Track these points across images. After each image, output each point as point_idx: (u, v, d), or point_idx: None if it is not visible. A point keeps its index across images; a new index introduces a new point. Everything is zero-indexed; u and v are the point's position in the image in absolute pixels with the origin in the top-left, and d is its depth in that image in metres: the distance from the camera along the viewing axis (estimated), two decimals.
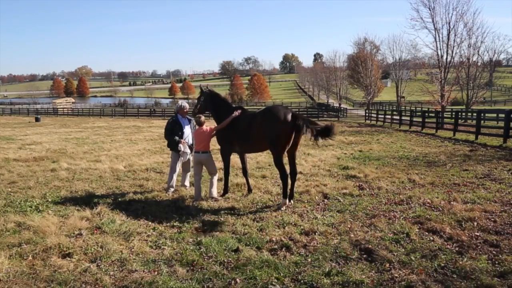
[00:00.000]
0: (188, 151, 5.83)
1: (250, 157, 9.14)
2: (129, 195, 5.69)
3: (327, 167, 7.84)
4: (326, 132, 4.39)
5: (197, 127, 5.38)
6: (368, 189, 5.83)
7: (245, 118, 5.10)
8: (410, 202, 4.98)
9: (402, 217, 4.38)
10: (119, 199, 5.43)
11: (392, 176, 6.79)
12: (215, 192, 5.28)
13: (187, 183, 6.14)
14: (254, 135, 4.85)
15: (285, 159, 5.12)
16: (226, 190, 5.57)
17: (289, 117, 4.57)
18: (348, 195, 5.50)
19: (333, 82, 55.32)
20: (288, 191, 4.98)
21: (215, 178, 5.31)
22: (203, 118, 5.35)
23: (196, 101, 5.91)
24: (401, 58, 39.95)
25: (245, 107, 5.75)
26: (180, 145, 5.70)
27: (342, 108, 33.82)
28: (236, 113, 5.20)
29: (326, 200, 5.28)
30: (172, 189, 5.84)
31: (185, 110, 5.92)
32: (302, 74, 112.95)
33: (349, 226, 4.15)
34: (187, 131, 5.91)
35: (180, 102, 6.05)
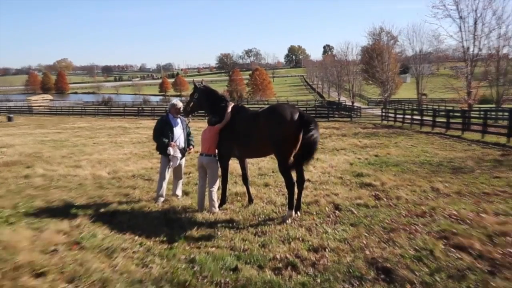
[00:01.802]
0: (179, 155, 5.88)
1: (251, 163, 9.18)
2: (113, 205, 5.71)
3: (339, 174, 7.89)
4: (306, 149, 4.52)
5: (203, 127, 5.47)
6: (385, 199, 5.85)
7: (246, 119, 5.14)
8: (434, 214, 4.98)
9: (424, 232, 4.38)
10: (102, 210, 5.45)
11: (412, 184, 6.81)
12: (216, 206, 5.32)
13: (179, 192, 6.17)
14: (256, 137, 4.89)
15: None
16: (223, 200, 5.61)
17: (296, 117, 4.60)
18: (362, 206, 5.52)
19: (345, 77, 55.45)
20: (295, 201, 5.00)
21: (214, 189, 5.32)
22: (214, 119, 5.43)
23: (189, 98, 5.99)
24: (421, 50, 39.91)
25: (246, 106, 5.77)
26: (170, 148, 5.74)
27: (355, 107, 33.90)
28: (229, 109, 5.30)
29: (337, 211, 5.30)
30: (161, 199, 5.87)
31: (177, 108, 5.97)
32: (310, 69, 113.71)
33: (364, 241, 4.16)
34: (178, 132, 5.95)
35: (174, 100, 6.14)
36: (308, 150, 4.56)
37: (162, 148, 5.84)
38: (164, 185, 5.92)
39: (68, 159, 10.43)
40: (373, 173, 7.81)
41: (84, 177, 7.85)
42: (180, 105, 6.04)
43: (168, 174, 6.00)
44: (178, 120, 6.03)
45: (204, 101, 5.69)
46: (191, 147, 6.19)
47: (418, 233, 4.33)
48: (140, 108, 39.99)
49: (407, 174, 7.75)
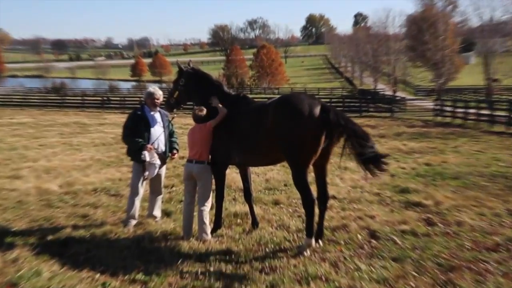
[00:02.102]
0: (158, 162, 6.04)
1: (257, 172, 9.34)
2: (66, 230, 5.76)
3: (375, 189, 7.97)
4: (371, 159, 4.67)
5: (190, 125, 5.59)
6: (441, 225, 5.86)
7: (249, 113, 5.28)
8: None
9: (499, 272, 4.37)
10: (50, 238, 5.49)
11: (480, 204, 6.81)
12: (208, 232, 5.45)
13: (157, 212, 6.30)
14: (262, 138, 5.02)
15: (310, 176, 5.22)
16: (218, 223, 5.74)
17: (317, 110, 4.69)
18: (409, 233, 5.55)
19: (383, 57, 55.54)
20: (315, 225, 5.05)
21: (206, 209, 5.45)
22: (205, 111, 5.59)
23: (172, 85, 6.15)
24: (492, 19, 39.63)
25: (249, 96, 5.87)
26: (145, 152, 5.87)
27: (397, 98, 33.87)
28: (218, 105, 5.51)
29: (374, 240, 5.34)
30: (133, 222, 6.00)
31: (155, 99, 6.11)
32: (336, 46, 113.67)
33: (412, 283, 4.15)
34: (157, 130, 6.10)
35: (151, 87, 6.21)
36: (363, 160, 4.65)
37: (135, 152, 5.94)
38: (137, 202, 6.02)
39: (3, 167, 10.53)
40: (423, 189, 7.86)
41: (25, 192, 7.94)
42: (160, 94, 6.14)
43: (143, 188, 6.10)
44: (157, 115, 6.16)
45: (193, 89, 5.82)
46: (174, 151, 6.32)
47: (490, 274, 4.33)
48: (105, 98, 39.94)
49: (471, 190, 7.80)
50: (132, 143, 5.93)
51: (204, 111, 5.57)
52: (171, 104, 6.03)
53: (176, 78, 6.03)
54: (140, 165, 5.96)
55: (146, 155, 5.85)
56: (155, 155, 5.97)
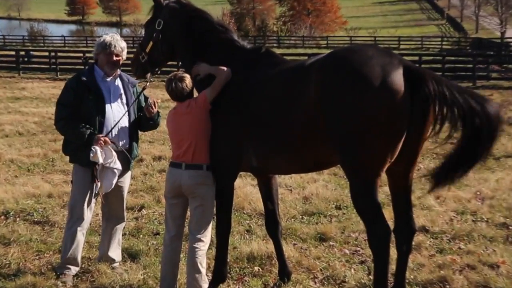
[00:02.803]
0: (118, 166, 6.07)
1: (288, 185, 9.29)
2: None
3: (500, 217, 7.85)
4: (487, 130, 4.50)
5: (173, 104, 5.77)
6: None
7: (275, 80, 5.38)
8: None
9: None
10: None
11: None
12: (204, 287, 5.52)
13: (114, 253, 6.36)
14: (298, 124, 5.08)
15: (382, 192, 5.28)
16: (221, 272, 5.79)
17: (397, 75, 4.63)
18: None
19: None
20: (390, 277, 5.00)
21: (202, 247, 5.53)
22: (188, 79, 5.64)
23: (143, 32, 6.30)
24: None
25: (275, 51, 5.87)
26: (96, 148, 5.88)
27: None
28: (223, 68, 5.57)
29: None
30: (73, 270, 6.03)
31: (114, 55, 6.14)
32: None
33: None
34: (117, 110, 6.17)
35: (105, 35, 6.31)
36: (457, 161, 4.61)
37: (78, 148, 5.98)
38: (81, 236, 6.04)
39: None
40: None
41: None
42: (122, 47, 6.19)
43: (91, 211, 6.15)
44: (117, 84, 6.26)
45: (179, 38, 5.94)
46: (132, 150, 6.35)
47: None
48: (22, 54, 40.22)
49: None
50: (73, 132, 5.96)
51: (188, 80, 5.62)
52: (142, 65, 6.08)
53: (150, 19, 6.09)
54: (88, 171, 5.97)
55: (98, 154, 5.83)
56: (113, 153, 5.98)
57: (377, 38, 61.37)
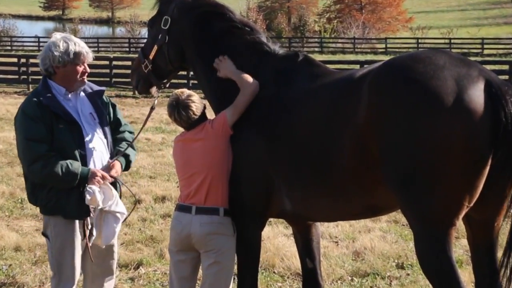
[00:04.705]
0: (122, 208, 5.59)
1: (333, 234, 8.89)
2: None
3: None
4: None
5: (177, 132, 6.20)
6: None
7: (316, 95, 5.06)
8: None
9: None
10: None
11: None
12: None
13: None
14: (346, 152, 4.70)
15: (460, 247, 5.65)
16: None
17: (477, 92, 4.23)
18: None
19: None
20: None
21: None
22: (195, 103, 5.23)
23: (142, 32, 5.64)
24: None
25: (317, 57, 5.16)
26: (93, 187, 5.29)
27: None
28: (236, 74, 5.32)
29: None
30: None
31: (86, 66, 5.52)
32: None
33: None
34: (92, 136, 5.55)
35: (56, 38, 5.51)
36: None
37: (58, 195, 5.31)
38: None
39: None
40: None
41: None
42: (86, 51, 5.45)
43: (79, 267, 5.52)
44: (81, 98, 5.60)
45: (192, 41, 5.56)
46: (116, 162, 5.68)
47: None
48: None
49: None
50: (59, 174, 5.17)
51: (196, 98, 5.25)
52: (145, 76, 5.68)
53: (154, 16, 5.75)
54: (74, 222, 5.34)
55: (97, 195, 5.20)
56: (114, 192, 5.40)
57: (452, 41, 58.36)
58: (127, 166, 5.79)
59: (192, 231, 5.09)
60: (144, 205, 10.56)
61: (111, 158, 5.72)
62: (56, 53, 5.33)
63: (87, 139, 5.45)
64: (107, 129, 5.66)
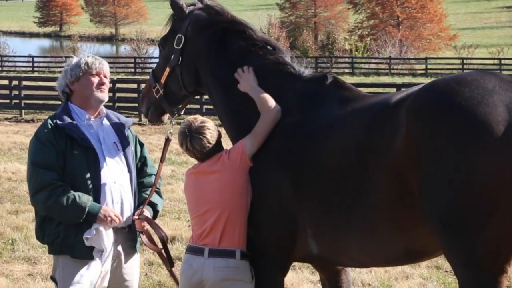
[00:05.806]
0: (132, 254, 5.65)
1: (365, 281, 8.47)
2: None
3: None
4: None
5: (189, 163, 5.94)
6: None
7: (346, 123, 4.91)
8: None
9: None
10: None
11: None
12: None
13: None
14: (380, 189, 4.51)
15: None
16: None
17: None
18: None
19: None
20: None
21: None
22: (209, 131, 5.06)
23: (150, 51, 5.24)
24: None
25: (348, 79, 4.74)
26: (99, 227, 5.12)
27: None
28: (259, 94, 5.15)
29: None
30: None
31: (102, 77, 5.35)
32: None
33: None
34: (114, 167, 5.34)
35: (73, 58, 5.52)
36: None
37: (67, 232, 5.12)
38: None
39: None
40: None
41: None
42: (106, 70, 5.40)
43: None
44: (105, 126, 5.45)
45: (208, 61, 5.36)
46: (144, 210, 5.43)
47: None
48: None
49: None
50: (65, 206, 4.96)
51: (211, 125, 5.09)
52: (156, 102, 5.47)
53: (166, 34, 5.55)
54: (83, 264, 5.05)
55: (103, 236, 5.05)
56: (111, 237, 5.20)
57: (503, 61, 56.56)
58: (153, 217, 5.51)
59: (205, 277, 4.87)
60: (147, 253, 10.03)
61: (134, 199, 5.47)
62: (67, 69, 5.29)
63: (105, 169, 5.23)
64: (131, 163, 5.45)
